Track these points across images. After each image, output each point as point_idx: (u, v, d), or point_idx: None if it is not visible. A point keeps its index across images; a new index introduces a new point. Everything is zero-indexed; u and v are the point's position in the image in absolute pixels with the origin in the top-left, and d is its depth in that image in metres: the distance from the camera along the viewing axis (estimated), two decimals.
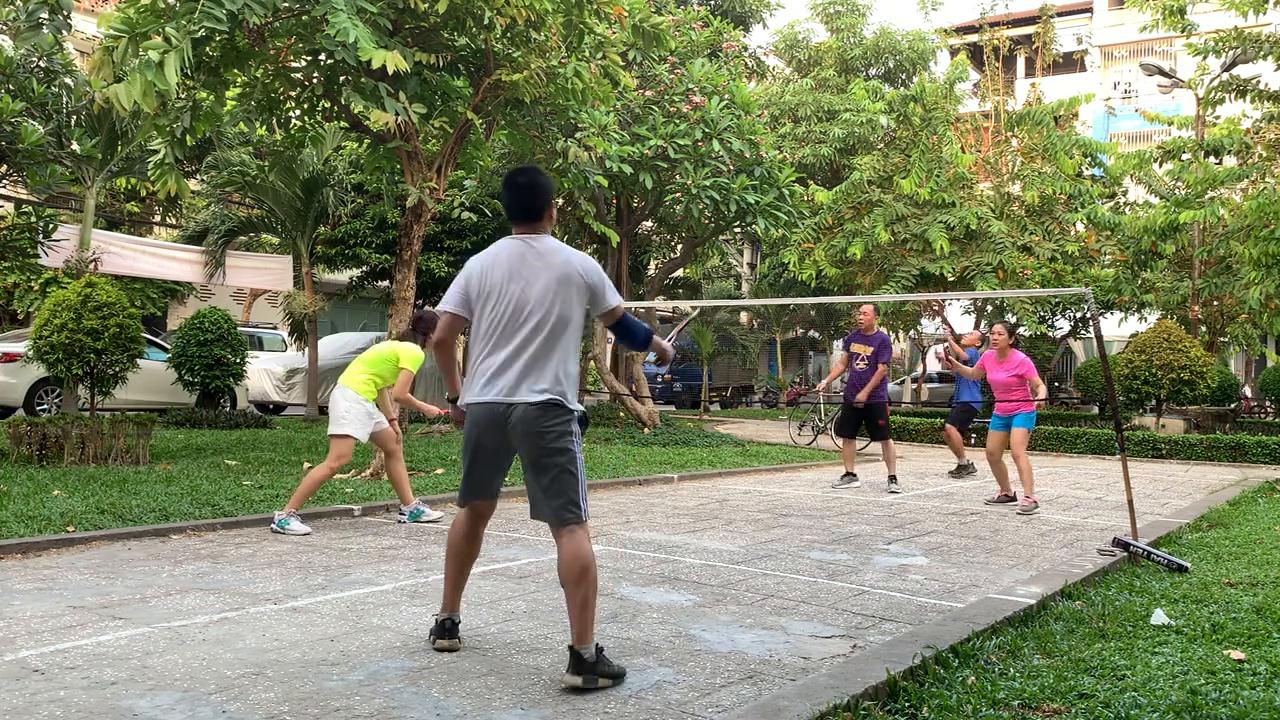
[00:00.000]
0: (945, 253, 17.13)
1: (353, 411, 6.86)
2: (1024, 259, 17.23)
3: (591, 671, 3.48)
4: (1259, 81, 14.13)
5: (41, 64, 10.71)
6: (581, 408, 3.73)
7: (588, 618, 3.54)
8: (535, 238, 3.75)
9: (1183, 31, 14.55)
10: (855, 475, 10.53)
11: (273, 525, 6.56)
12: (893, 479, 10.24)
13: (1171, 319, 19.67)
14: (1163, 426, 16.98)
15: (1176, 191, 18.39)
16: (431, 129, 9.26)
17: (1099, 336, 7.08)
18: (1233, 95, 14.30)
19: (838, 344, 33.52)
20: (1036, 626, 4.41)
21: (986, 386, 11.19)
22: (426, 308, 7.24)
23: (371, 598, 4.79)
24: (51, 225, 11.72)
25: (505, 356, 3.64)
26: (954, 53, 25.13)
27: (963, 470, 11.81)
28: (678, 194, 14.72)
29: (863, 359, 10.21)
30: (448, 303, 3.81)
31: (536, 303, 3.64)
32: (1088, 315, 24.67)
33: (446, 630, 3.90)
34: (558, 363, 3.65)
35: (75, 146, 11.56)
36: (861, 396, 10.10)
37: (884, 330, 11.19)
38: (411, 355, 6.98)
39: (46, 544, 5.70)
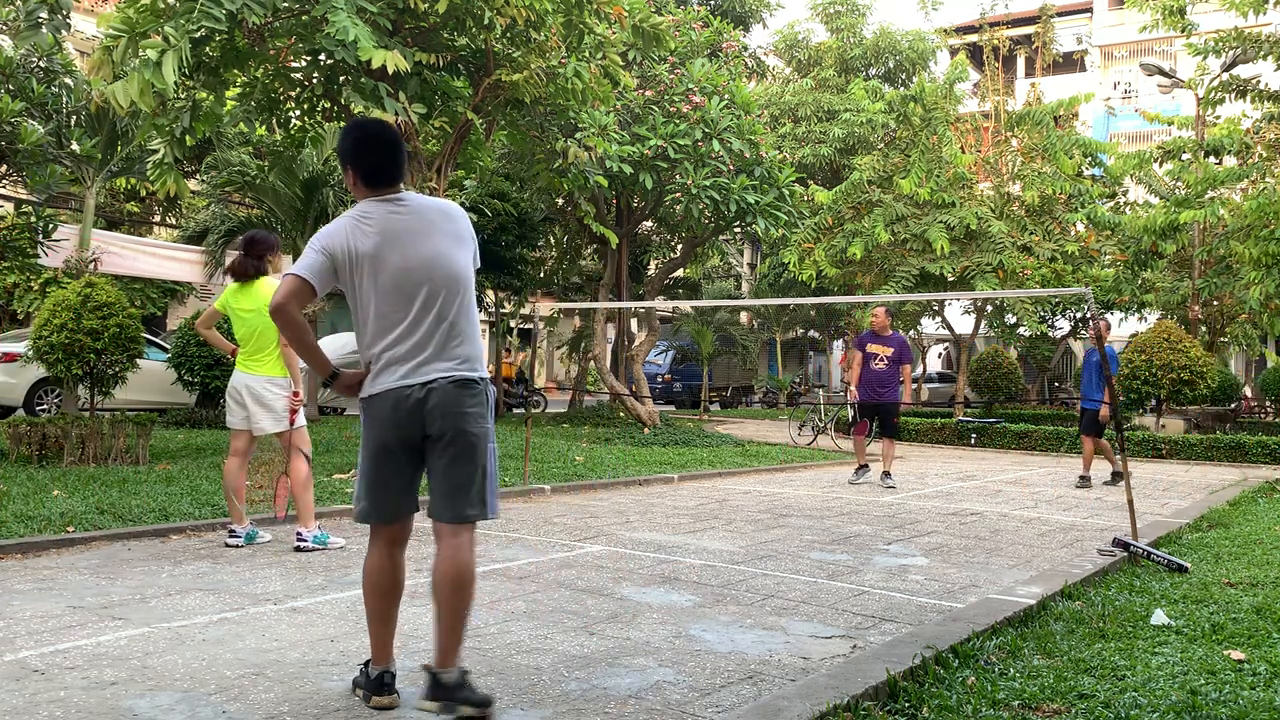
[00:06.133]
0: (945, 253, 17.13)
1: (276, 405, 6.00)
2: (1024, 259, 17.24)
3: (451, 699, 3.09)
4: (1259, 81, 14.12)
5: (41, 64, 10.72)
6: (491, 385, 3.32)
7: (460, 634, 3.16)
8: (399, 197, 3.26)
9: (1183, 31, 14.56)
10: (868, 466, 10.81)
11: (305, 542, 5.95)
12: (887, 474, 10.53)
13: (1171, 319, 19.66)
14: (1163, 426, 16.97)
15: (1176, 191, 18.38)
16: (431, 129, 9.26)
17: (1099, 336, 7.09)
18: (1233, 95, 14.30)
19: (838, 344, 33.50)
20: (1036, 627, 4.40)
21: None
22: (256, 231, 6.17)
23: None
24: (51, 225, 11.73)
25: (415, 335, 3.16)
26: (954, 53, 25.15)
27: (1117, 478, 10.98)
28: (678, 194, 14.72)
29: (882, 359, 10.39)
30: (303, 269, 3.14)
31: (436, 268, 3.19)
32: (1088, 315, 24.67)
33: (386, 685, 3.25)
34: (469, 331, 3.25)
35: (75, 146, 11.56)
36: (906, 397, 10.60)
37: (899, 331, 11.38)
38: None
39: (46, 544, 5.70)
